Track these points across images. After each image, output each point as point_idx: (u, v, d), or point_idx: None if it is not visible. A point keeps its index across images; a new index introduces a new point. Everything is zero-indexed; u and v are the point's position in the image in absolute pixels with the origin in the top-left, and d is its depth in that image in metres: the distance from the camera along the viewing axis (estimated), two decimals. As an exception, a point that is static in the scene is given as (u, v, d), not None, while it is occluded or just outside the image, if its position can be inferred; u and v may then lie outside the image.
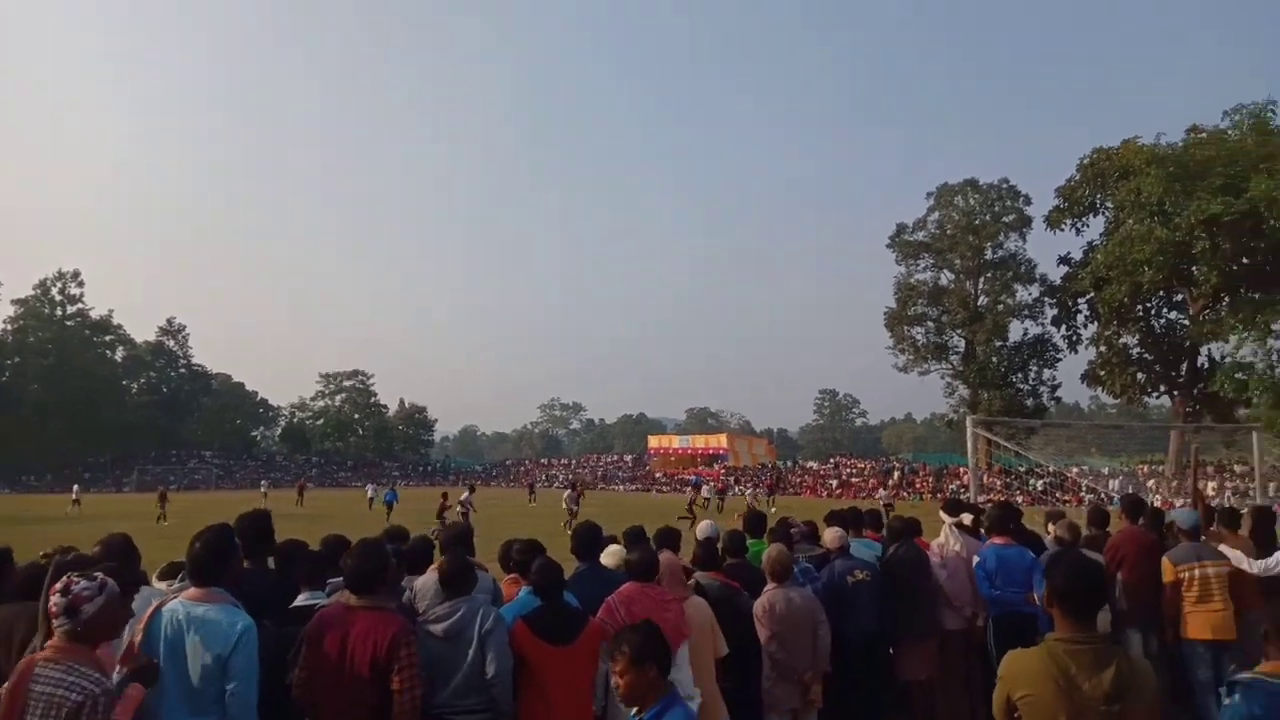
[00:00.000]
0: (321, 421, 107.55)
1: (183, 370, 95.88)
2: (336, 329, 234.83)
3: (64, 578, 2.99)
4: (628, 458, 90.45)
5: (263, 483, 48.28)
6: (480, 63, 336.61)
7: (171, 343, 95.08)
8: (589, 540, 5.50)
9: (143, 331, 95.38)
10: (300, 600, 4.39)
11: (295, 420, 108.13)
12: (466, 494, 24.57)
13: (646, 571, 4.76)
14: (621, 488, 68.65)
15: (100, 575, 3.07)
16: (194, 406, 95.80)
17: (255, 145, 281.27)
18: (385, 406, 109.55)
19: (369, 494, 39.35)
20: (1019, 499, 18.69)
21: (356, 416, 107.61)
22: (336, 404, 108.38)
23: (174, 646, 3.40)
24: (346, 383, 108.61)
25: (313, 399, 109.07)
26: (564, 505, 27.17)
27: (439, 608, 4.24)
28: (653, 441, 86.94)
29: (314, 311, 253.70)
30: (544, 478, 79.85)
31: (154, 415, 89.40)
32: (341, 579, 4.80)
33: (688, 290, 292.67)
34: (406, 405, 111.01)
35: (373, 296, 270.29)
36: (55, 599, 2.89)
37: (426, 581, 4.82)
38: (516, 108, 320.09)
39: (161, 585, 4.27)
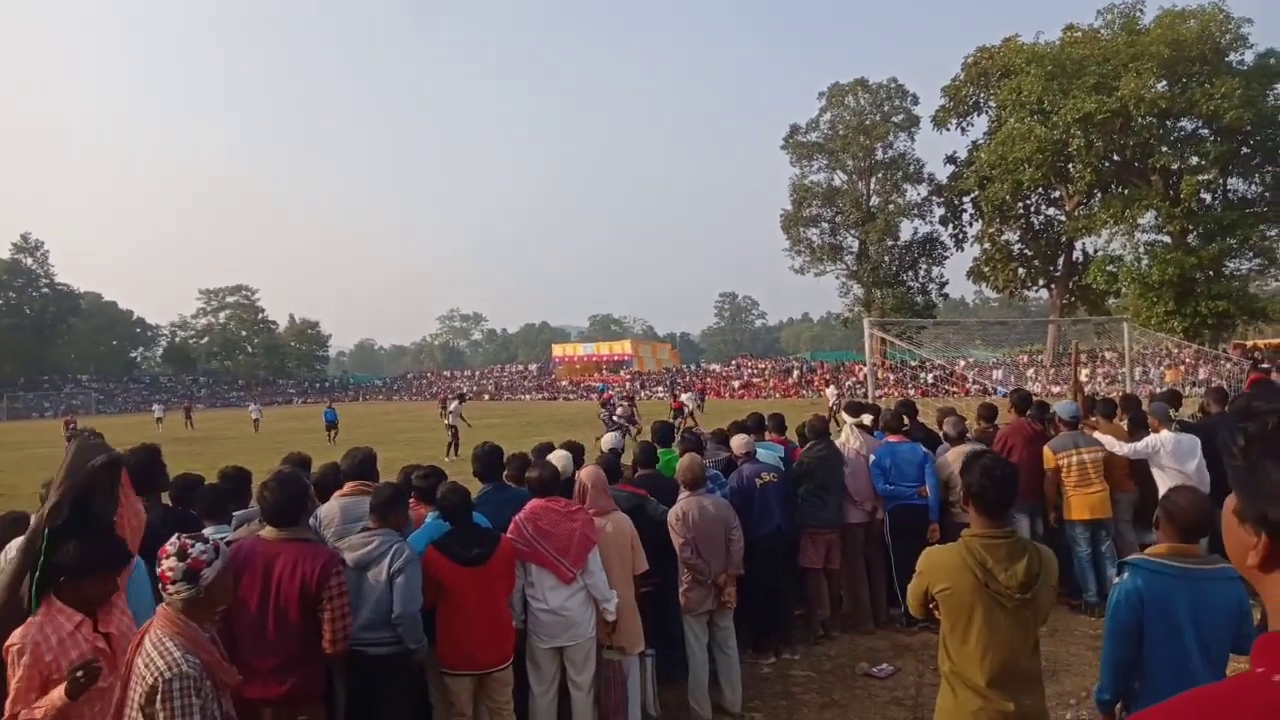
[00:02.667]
0: (206, 340, 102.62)
1: (45, 290, 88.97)
2: (217, 241, 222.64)
3: (177, 539, 2.81)
4: (532, 367, 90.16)
5: (156, 406, 45.79)
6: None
7: (29, 261, 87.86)
8: (491, 461, 5.44)
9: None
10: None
11: (177, 340, 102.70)
12: (456, 404, 23.31)
13: (547, 487, 4.74)
14: (528, 397, 68.64)
15: (213, 538, 2.92)
16: (62, 329, 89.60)
17: (125, 38, 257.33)
18: (275, 323, 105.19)
19: (253, 414, 37.91)
20: (911, 393, 19.56)
21: (244, 334, 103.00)
22: (221, 321, 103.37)
23: None
24: (230, 298, 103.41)
25: (194, 317, 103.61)
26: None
27: (354, 537, 4.14)
28: (557, 350, 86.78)
29: (191, 224, 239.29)
30: (448, 390, 78.96)
31: (17, 339, 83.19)
32: (245, 511, 4.64)
33: (588, 193, 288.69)
34: (297, 321, 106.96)
35: (258, 207, 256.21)
36: (170, 562, 2.73)
37: (331, 508, 4.69)
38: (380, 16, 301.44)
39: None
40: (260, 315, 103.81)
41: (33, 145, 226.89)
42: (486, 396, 70.42)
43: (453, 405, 22.97)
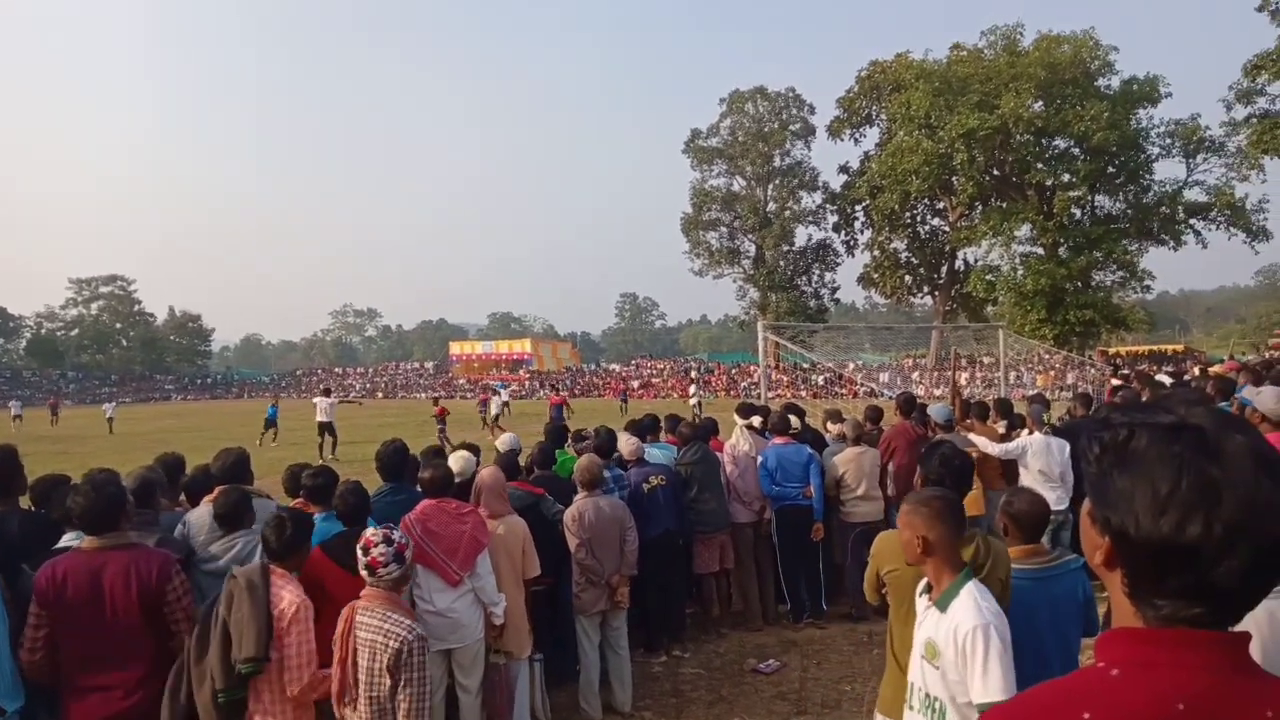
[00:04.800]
0: (76, 332, 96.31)
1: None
2: (89, 228, 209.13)
3: (377, 531, 3.31)
4: (429, 365, 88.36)
5: (13, 402, 42.49)
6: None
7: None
8: (395, 460, 5.32)
9: None
10: (67, 540, 3.95)
11: (43, 331, 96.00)
12: (325, 400, 21.14)
13: (440, 488, 4.68)
14: (423, 395, 67.19)
15: (398, 537, 3.34)
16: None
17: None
18: (152, 315, 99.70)
19: (107, 413, 35.50)
20: (804, 394, 20.10)
21: (118, 326, 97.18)
22: (93, 313, 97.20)
23: None
24: (103, 289, 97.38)
25: (63, 307, 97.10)
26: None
27: (214, 545, 3.99)
28: (454, 348, 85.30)
29: (58, 209, 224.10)
30: (339, 388, 76.52)
31: None
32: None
33: (487, 191, 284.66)
34: (178, 313, 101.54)
35: (134, 188, 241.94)
36: (380, 549, 3.21)
37: (201, 514, 4.49)
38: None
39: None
40: (136, 307, 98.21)
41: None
42: (380, 394, 68.60)
43: (320, 401, 21.31)
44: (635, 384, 59.17)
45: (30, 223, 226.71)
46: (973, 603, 2.59)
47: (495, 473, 5.09)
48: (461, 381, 70.40)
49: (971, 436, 7.67)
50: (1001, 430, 8.05)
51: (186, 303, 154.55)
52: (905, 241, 50.88)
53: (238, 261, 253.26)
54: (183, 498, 5.05)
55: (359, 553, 3.27)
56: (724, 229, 58.92)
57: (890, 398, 11.37)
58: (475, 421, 27.37)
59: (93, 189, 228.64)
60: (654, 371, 65.61)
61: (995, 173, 44.89)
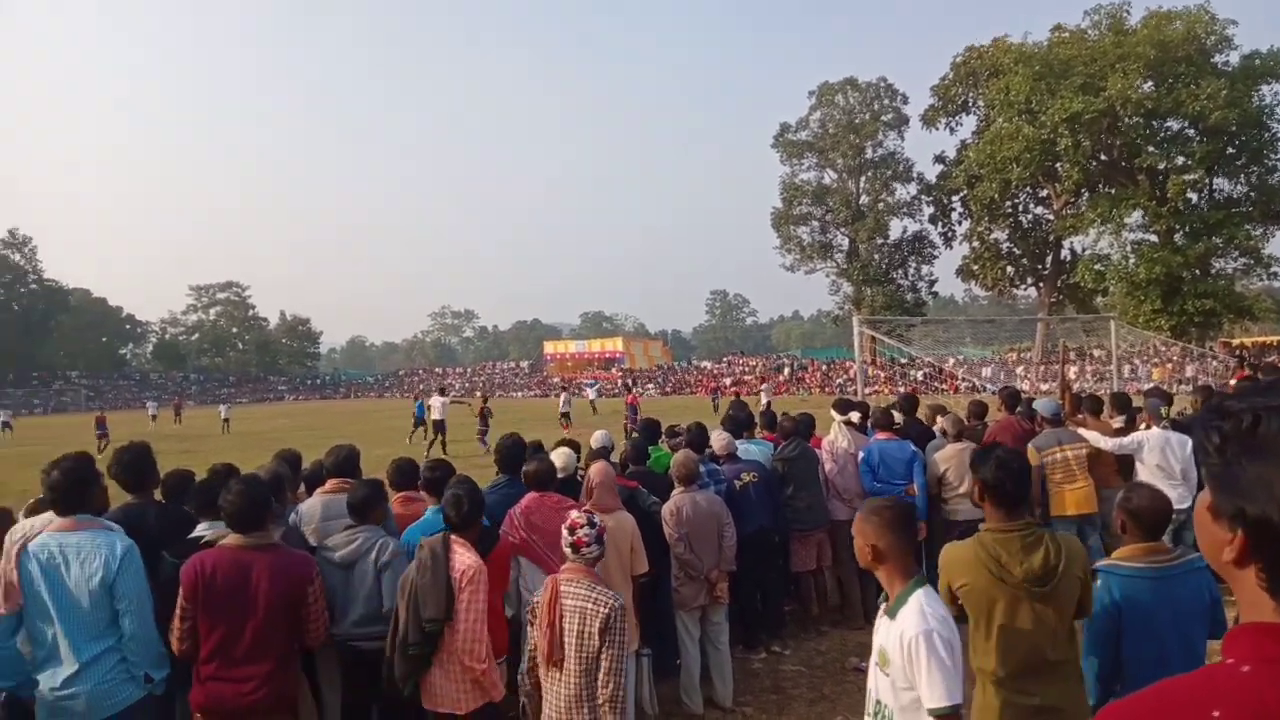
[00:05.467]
0: (196, 337, 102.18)
1: (34, 287, 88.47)
2: (208, 238, 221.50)
3: (583, 513, 3.61)
4: (524, 364, 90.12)
5: (150, 403, 45.84)
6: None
7: (17, 257, 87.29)
8: (513, 454, 5.46)
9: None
10: (201, 530, 4.22)
11: (167, 336, 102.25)
12: (439, 399, 22.16)
13: (543, 481, 4.78)
14: (519, 394, 68.57)
15: (600, 521, 3.64)
16: (51, 325, 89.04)
17: (111, 38, 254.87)
18: (265, 320, 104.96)
19: (222, 414, 37.40)
20: (902, 390, 19.66)
21: (235, 330, 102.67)
22: (211, 318, 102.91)
23: (52, 580, 3.32)
24: (220, 295, 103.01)
25: (184, 313, 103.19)
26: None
27: (338, 536, 4.18)
28: (548, 347, 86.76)
29: (182, 221, 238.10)
30: (439, 387, 78.72)
31: (5, 336, 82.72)
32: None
33: (579, 194, 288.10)
34: (288, 317, 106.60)
35: (247, 203, 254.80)
36: (584, 530, 3.53)
37: (313, 505, 4.72)
38: (376, 18, 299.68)
39: (31, 522, 4.02)
40: (251, 312, 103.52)
41: (25, 140, 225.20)
42: (478, 394, 70.31)
43: (436, 400, 22.28)
44: (727, 381, 58.91)
45: (154, 235, 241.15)
46: (918, 609, 2.58)
47: (605, 467, 5.11)
48: (556, 380, 71.47)
49: (1082, 431, 7.38)
50: (1117, 425, 7.71)
51: (296, 307, 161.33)
52: (1006, 231, 49.04)
53: (345, 268, 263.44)
54: (302, 489, 5.32)
55: (564, 532, 3.55)
56: (815, 223, 58.06)
57: (993, 392, 11.02)
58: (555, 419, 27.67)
59: (206, 201, 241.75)
60: (746, 368, 65.18)
61: (1102, 157, 42.79)
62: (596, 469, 5.05)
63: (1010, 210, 48.13)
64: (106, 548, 3.38)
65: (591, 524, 3.55)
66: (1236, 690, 0.91)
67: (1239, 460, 0.97)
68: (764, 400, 27.60)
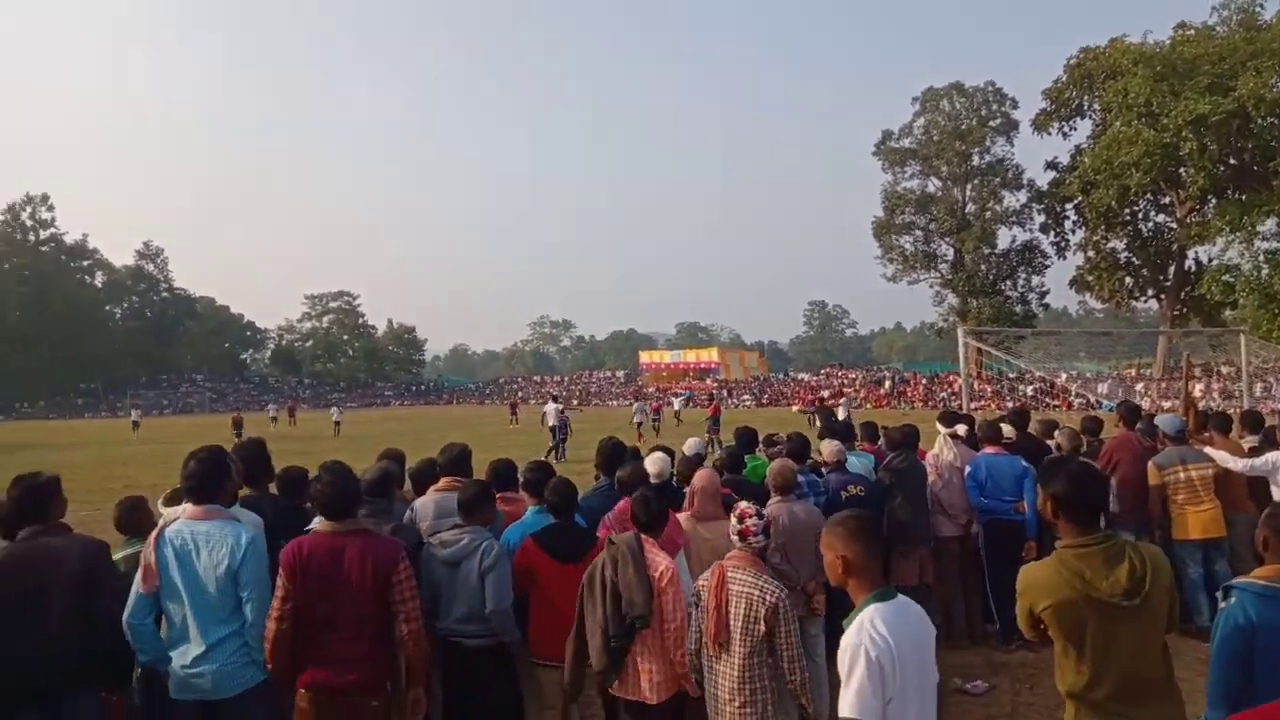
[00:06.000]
0: (310, 343, 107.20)
1: (165, 294, 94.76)
2: (321, 250, 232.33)
3: (751, 505, 3.84)
4: (620, 374, 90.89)
5: (270, 406, 49.16)
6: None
7: (151, 266, 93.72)
8: (614, 456, 5.52)
9: (120, 256, 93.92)
10: (316, 525, 4.42)
11: (284, 343, 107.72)
12: (553, 406, 24.11)
13: (637, 487, 4.80)
14: (615, 403, 69.14)
15: (766, 512, 3.91)
16: (179, 331, 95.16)
17: (237, 60, 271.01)
18: (374, 327, 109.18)
19: (334, 417, 39.29)
20: (1010, 405, 18.94)
21: (345, 338, 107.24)
22: (324, 325, 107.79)
23: (184, 564, 3.52)
24: (333, 304, 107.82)
25: (300, 320, 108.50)
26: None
27: (447, 533, 4.29)
28: (644, 357, 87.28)
29: (299, 233, 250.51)
30: (538, 395, 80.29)
31: (139, 341, 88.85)
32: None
33: (678, 207, 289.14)
34: (395, 325, 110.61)
35: (359, 218, 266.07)
36: (752, 520, 3.72)
37: (425, 503, 4.85)
38: (517, 23, 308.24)
39: (168, 511, 4.29)
40: (360, 320, 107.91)
41: (156, 154, 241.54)
42: (575, 402, 71.27)
43: (550, 407, 23.66)
44: (825, 394, 57.94)
45: (272, 249, 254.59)
46: (859, 624, 2.63)
47: (710, 474, 5.07)
48: (650, 390, 71.80)
49: (1210, 451, 6.95)
50: (1250, 445, 7.23)
51: (403, 316, 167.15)
52: (1124, 240, 46.67)
53: (448, 277, 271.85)
54: (408, 487, 5.49)
55: (733, 520, 3.77)
56: (918, 232, 56.58)
57: (1110, 409, 10.49)
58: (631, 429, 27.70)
59: (317, 219, 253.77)
60: (845, 381, 63.97)
61: (1231, 162, 40.31)
62: (701, 476, 5.01)
63: (1129, 218, 45.80)
64: (233, 537, 3.56)
65: (759, 515, 3.74)
66: None
67: None
68: (841, 415, 26.66)
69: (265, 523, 3.97)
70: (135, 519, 4.56)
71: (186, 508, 3.72)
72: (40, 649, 3.44)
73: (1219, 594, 3.17)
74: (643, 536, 4.06)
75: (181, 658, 3.51)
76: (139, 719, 3.85)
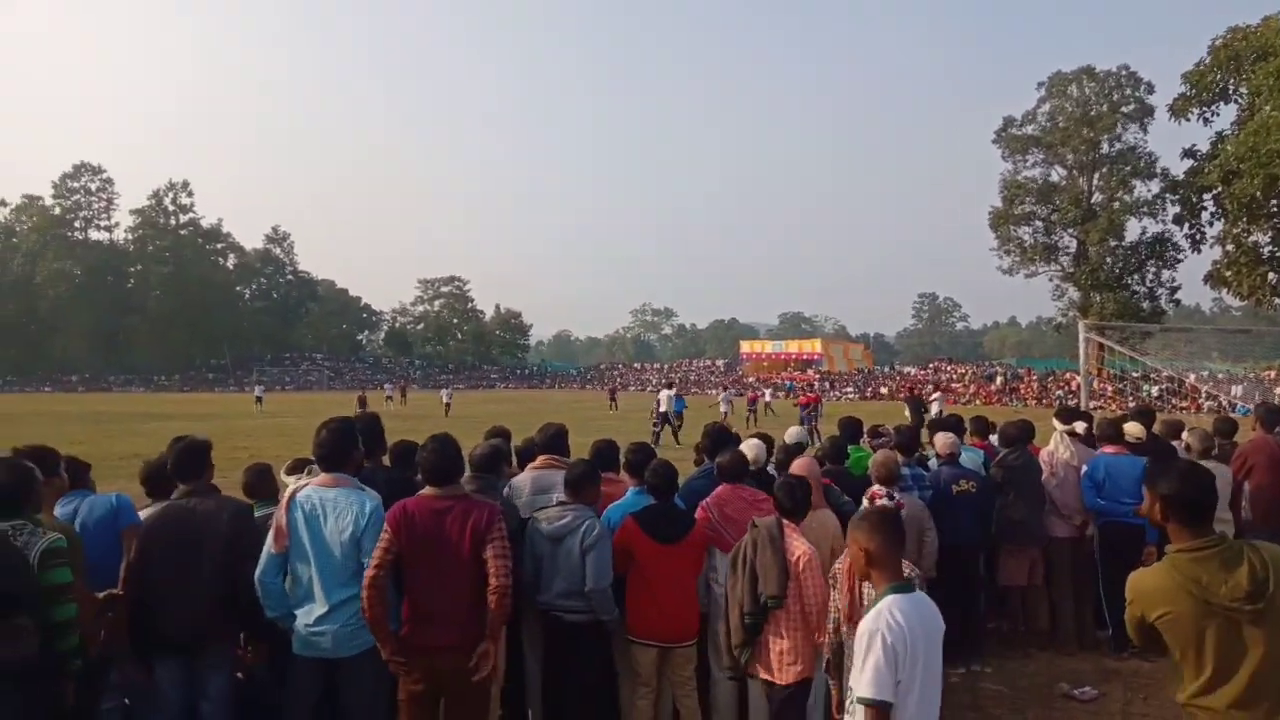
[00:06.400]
0: (422, 326, 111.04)
1: (290, 277, 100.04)
2: (434, 235, 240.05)
3: (871, 490, 4.30)
4: (720, 362, 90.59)
5: (387, 385, 51.63)
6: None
7: (278, 250, 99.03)
8: (720, 440, 5.58)
9: (250, 240, 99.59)
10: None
11: (397, 325, 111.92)
12: (667, 393, 23.96)
13: (735, 474, 4.80)
14: (714, 392, 68.99)
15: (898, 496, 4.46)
16: (302, 312, 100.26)
17: (367, 52, 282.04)
18: (482, 312, 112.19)
19: (444, 399, 39.30)
20: (1132, 404, 17.97)
21: (455, 321, 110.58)
22: (435, 309, 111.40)
23: (313, 528, 3.74)
24: (444, 288, 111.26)
25: (413, 304, 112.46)
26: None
27: (550, 510, 4.40)
28: (745, 346, 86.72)
29: (414, 218, 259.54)
30: (637, 382, 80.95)
31: (265, 320, 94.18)
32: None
33: (782, 196, 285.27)
34: (502, 310, 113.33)
35: (469, 205, 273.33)
36: (883, 502, 4.04)
37: (523, 479, 4.97)
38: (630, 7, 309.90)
39: (290, 479, 4.54)
40: (470, 305, 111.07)
41: (287, 141, 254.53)
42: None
43: (664, 394, 23.81)
44: (930, 388, 56.27)
45: (391, 232, 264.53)
46: (877, 611, 2.82)
47: (810, 463, 5.04)
48: (751, 379, 71.29)
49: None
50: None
51: (510, 301, 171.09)
52: (1269, 234, 43.31)
53: (556, 264, 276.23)
54: (514, 464, 5.65)
55: (865, 502, 3.94)
56: (1039, 223, 53.92)
57: (1245, 413, 9.82)
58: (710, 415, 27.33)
59: (431, 207, 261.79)
60: (954, 376, 61.94)
61: (1401, 148, 36.87)
62: (800, 464, 4.98)
63: (1275, 210, 42.54)
64: (358, 504, 3.77)
65: (890, 497, 3.90)
66: None
67: None
68: (935, 410, 25.63)
69: (379, 492, 4.17)
70: (262, 484, 4.85)
71: (316, 474, 3.95)
72: (190, 603, 3.75)
73: None
74: (784, 521, 4.18)
75: (306, 616, 3.72)
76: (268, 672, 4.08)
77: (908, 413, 22.49)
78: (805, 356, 76.96)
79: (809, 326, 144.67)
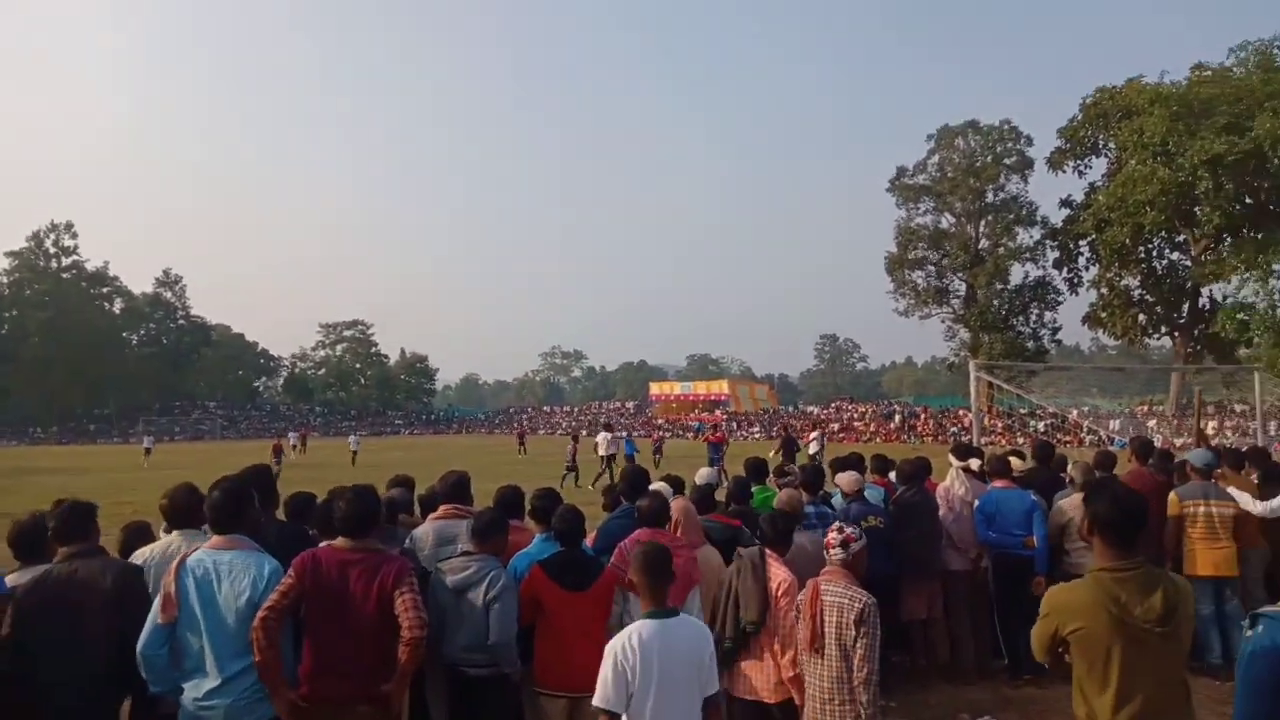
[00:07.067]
0: (323, 371, 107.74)
1: (182, 322, 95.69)
2: (336, 279, 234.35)
3: (839, 529, 4.12)
4: (629, 404, 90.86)
5: (291, 433, 48.89)
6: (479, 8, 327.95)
7: (169, 294, 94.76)
8: (638, 484, 5.59)
9: (139, 283, 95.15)
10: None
11: (297, 371, 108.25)
12: (605, 435, 23.59)
13: (657, 518, 4.80)
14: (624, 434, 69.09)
15: (851, 532, 4.14)
16: (195, 358, 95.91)
17: (248, 93, 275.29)
18: (386, 356, 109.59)
19: (352, 445, 37.97)
20: (1020, 441, 18.84)
21: (358, 366, 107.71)
22: (337, 354, 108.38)
23: (205, 594, 3.53)
24: (347, 332, 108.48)
25: (313, 349, 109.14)
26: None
27: (455, 560, 4.30)
28: (654, 388, 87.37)
29: (314, 263, 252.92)
30: (547, 425, 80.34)
31: (155, 367, 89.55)
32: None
33: (689, 240, 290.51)
34: (408, 354, 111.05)
35: (373, 246, 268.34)
36: (834, 535, 4.09)
37: (425, 530, 4.86)
38: (517, 47, 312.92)
39: (172, 536, 4.31)
40: (373, 349, 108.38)
41: (168, 180, 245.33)
42: (584, 432, 71.25)
43: (602, 436, 23.40)
44: (835, 427, 57.71)
45: (289, 277, 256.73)
46: (625, 633, 3.33)
47: (685, 503, 5.21)
48: (660, 421, 71.69)
49: (1233, 491, 6.91)
50: (1254, 482, 7.19)
51: (416, 345, 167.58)
52: (1138, 277, 46.65)
53: (460, 309, 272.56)
54: (417, 513, 5.52)
55: (832, 533, 4.13)
56: (931, 267, 56.68)
57: (1122, 446, 10.43)
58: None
59: (329, 251, 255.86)
60: (855, 414, 63.73)
61: (1247, 201, 40.39)
62: (676, 505, 5.11)
63: (1143, 255, 45.80)
64: (256, 567, 3.58)
65: (840, 530, 4.12)
66: None
67: None
68: (813, 450, 25.73)
69: (269, 547, 4.00)
70: (140, 543, 4.58)
71: (190, 537, 3.77)
72: (73, 669, 3.51)
73: (1245, 622, 3.14)
74: (767, 551, 4.51)
75: (195, 690, 3.49)
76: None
77: (774, 452, 21.23)
78: (713, 397, 77.98)
79: (716, 368, 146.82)
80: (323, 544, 4.00)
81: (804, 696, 4.12)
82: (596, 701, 3.23)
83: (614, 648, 3.26)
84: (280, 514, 4.98)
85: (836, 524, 4.19)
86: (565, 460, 23.27)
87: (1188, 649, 2.90)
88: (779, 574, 4.38)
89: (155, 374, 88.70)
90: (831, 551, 4.10)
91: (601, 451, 22.68)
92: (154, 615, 3.51)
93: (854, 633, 3.88)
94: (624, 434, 23.43)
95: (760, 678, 4.38)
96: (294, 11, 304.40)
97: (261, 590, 3.53)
